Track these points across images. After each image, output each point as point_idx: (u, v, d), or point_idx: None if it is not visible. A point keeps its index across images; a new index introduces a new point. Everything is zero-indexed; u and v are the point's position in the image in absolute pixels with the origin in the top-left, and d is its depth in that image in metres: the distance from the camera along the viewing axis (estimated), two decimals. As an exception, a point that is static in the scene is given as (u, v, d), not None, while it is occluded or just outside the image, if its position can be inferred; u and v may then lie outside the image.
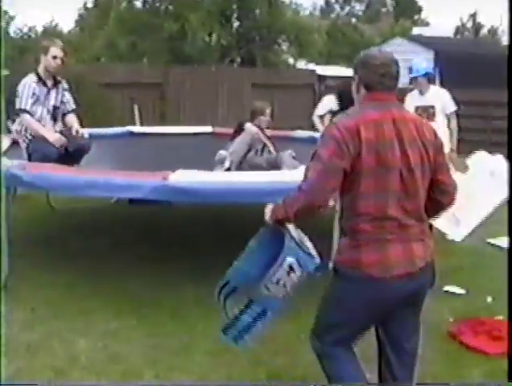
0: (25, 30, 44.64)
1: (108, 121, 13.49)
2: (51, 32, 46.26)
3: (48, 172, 6.14)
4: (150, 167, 6.31)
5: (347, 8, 65.97)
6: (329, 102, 9.51)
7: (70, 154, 7.26)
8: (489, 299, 6.36)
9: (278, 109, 20.35)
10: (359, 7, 66.58)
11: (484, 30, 61.47)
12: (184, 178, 5.60)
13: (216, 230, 8.44)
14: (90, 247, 7.87)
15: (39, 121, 7.32)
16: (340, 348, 3.67)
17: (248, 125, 8.10)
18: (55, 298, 6.18)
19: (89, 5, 43.66)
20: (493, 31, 60.17)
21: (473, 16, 60.90)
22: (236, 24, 24.98)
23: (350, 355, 3.70)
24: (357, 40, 46.64)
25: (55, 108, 7.51)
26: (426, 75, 8.48)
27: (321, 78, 23.90)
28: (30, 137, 7.28)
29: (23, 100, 7.21)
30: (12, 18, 37.28)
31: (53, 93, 7.48)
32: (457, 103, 8.53)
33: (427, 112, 8.25)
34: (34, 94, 7.26)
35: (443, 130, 7.96)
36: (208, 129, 10.82)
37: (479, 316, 5.86)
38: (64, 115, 7.63)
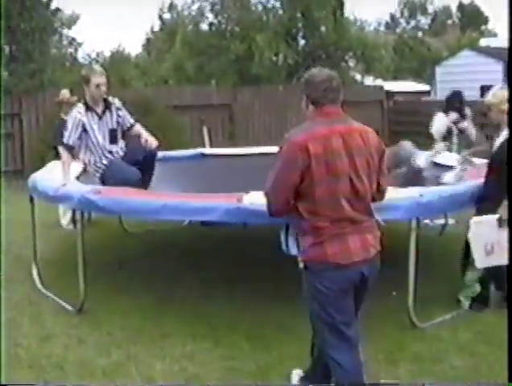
0: (93, 55, 45.45)
1: (178, 144, 13.62)
2: (118, 57, 47.02)
3: (122, 196, 6.18)
4: (223, 189, 6.30)
5: (412, 22, 65.46)
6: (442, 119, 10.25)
7: (142, 163, 7.25)
8: None
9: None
10: (424, 20, 66.01)
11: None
12: (258, 199, 5.57)
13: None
14: (164, 269, 7.91)
15: (97, 147, 7.24)
16: (336, 338, 4.18)
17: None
18: (131, 322, 6.21)
19: (156, 28, 44.34)
20: None
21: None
22: (302, 42, 24.96)
23: (346, 345, 4.20)
24: (424, 54, 46.22)
25: (112, 130, 7.38)
26: None
27: (389, 94, 23.76)
28: (103, 167, 7.29)
29: (67, 135, 7.14)
30: (80, 44, 38.09)
31: (106, 118, 7.33)
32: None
33: None
34: (81, 126, 7.14)
35: None
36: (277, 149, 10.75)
37: None
38: (124, 132, 7.56)
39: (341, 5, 24.53)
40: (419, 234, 5.78)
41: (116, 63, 44.30)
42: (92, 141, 7.22)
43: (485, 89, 20.60)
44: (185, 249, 8.91)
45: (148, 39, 48.19)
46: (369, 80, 29.13)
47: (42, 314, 6.56)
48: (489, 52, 26.93)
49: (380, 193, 4.37)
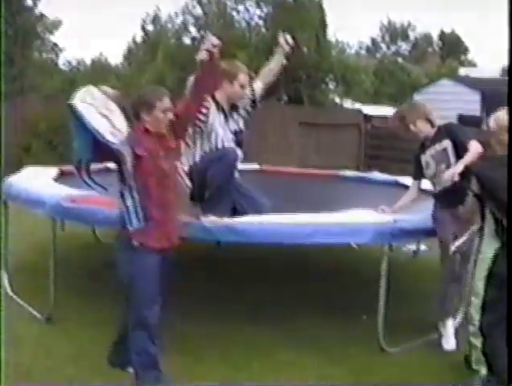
0: (74, 63, 45.30)
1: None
2: (98, 65, 46.96)
3: (97, 206, 6.13)
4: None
5: (393, 47, 65.97)
6: None
7: None
8: None
9: (324, 148, 20.37)
10: (405, 46, 66.56)
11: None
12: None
13: (258, 268, 8.38)
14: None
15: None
16: None
17: None
18: (100, 333, 6.15)
19: (138, 39, 44.22)
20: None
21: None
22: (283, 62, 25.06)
23: None
24: (403, 80, 46.55)
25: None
26: None
27: (367, 117, 23.92)
28: None
29: None
30: (61, 50, 37.89)
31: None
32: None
33: None
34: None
35: None
36: (255, 166, 10.75)
37: None
38: None
39: (324, 27, 24.70)
40: (391, 259, 5.82)
41: (96, 71, 44.19)
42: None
43: (462, 118, 20.79)
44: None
45: (130, 50, 48.07)
46: (348, 103, 29.29)
47: (11, 321, 6.50)
48: (467, 82, 27.21)
49: None
